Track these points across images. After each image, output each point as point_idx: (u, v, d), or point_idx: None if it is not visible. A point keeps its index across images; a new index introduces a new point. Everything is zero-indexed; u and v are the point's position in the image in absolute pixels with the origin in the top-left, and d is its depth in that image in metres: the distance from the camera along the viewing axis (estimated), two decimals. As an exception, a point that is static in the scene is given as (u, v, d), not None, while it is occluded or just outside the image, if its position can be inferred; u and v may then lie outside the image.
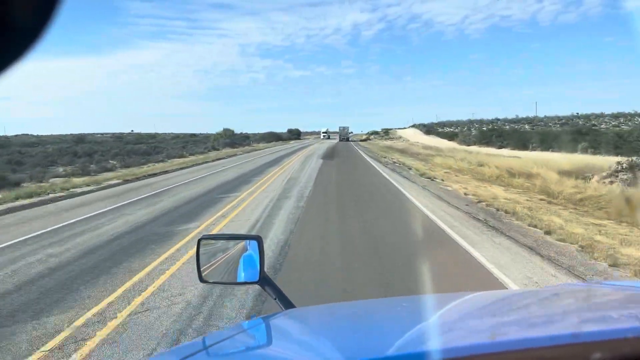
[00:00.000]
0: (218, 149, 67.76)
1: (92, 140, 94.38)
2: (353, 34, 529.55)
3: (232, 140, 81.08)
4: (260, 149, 57.45)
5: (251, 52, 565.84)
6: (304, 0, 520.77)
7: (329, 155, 38.77)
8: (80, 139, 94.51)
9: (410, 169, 24.55)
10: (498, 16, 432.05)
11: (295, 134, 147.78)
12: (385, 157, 35.96)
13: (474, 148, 54.32)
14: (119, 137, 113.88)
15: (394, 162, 29.88)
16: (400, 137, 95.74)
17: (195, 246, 1.76)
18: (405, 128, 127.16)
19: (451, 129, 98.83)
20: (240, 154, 43.83)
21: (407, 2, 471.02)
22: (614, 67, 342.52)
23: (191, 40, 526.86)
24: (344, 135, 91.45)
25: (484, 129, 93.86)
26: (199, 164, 30.53)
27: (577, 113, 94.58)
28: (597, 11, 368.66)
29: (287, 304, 1.68)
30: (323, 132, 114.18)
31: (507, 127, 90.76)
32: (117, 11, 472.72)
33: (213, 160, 34.69)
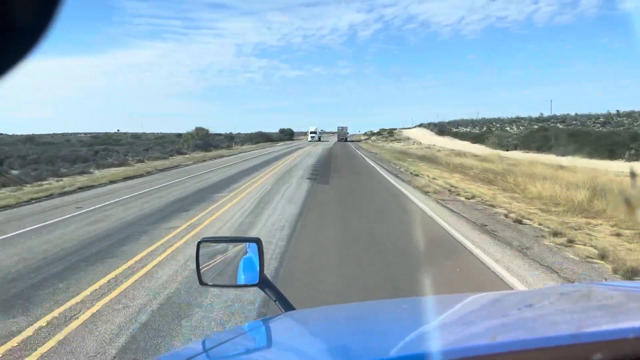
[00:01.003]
0: (185, 153, 53.28)
1: (47, 142, 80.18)
2: (349, 34, 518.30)
3: (205, 141, 66.45)
4: (230, 155, 42.76)
5: (248, 52, 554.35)
6: (300, 0, 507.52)
7: (322, 169, 24.24)
8: (29, 139, 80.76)
9: (544, 233, 9.87)
10: (494, 17, 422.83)
11: (287, 134, 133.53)
12: (418, 175, 21.17)
13: (518, 154, 39.96)
14: (95, 137, 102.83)
15: (451, 191, 14.94)
16: (409, 139, 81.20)
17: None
18: (410, 128, 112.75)
19: (466, 129, 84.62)
20: (190, 165, 29.26)
21: (403, 3, 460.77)
22: (611, 67, 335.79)
23: (187, 40, 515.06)
24: (343, 136, 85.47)
25: (507, 129, 79.71)
26: (72, 193, 15.76)
27: (618, 110, 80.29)
28: (593, 12, 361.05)
29: (287, 306, 1.67)
30: (311, 132, 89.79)
31: (536, 126, 76.59)
32: (113, 10, 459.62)
33: (113, 182, 19.90)
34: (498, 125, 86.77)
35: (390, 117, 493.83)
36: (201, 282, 1.76)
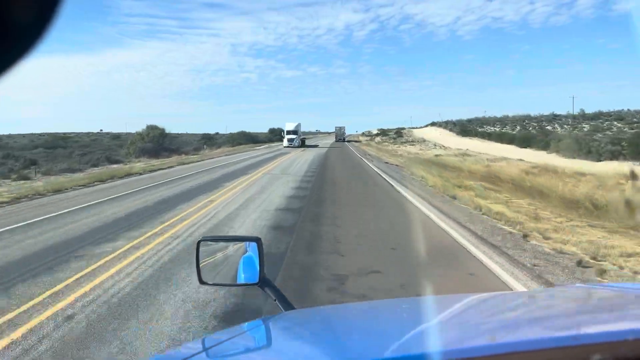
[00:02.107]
0: (121, 162, 36.77)
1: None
2: (346, 34, 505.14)
3: (159, 144, 49.87)
4: (161, 169, 25.90)
5: (243, 52, 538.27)
6: (297, 0, 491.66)
7: (295, 249, 7.49)
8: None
9: None
10: (490, 17, 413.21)
11: (278, 135, 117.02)
12: None
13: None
14: (64, 138, 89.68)
15: None
16: (425, 141, 64.68)
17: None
18: (421, 127, 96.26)
19: (494, 129, 68.44)
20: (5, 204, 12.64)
21: (399, 3, 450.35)
22: (609, 68, 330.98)
23: (183, 40, 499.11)
24: (340, 136, 77.73)
25: (547, 128, 63.48)
26: None
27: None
28: (589, 13, 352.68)
29: (287, 306, 1.66)
30: (288, 133, 57.26)
31: (587, 126, 60.43)
32: (108, 10, 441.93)
33: None
34: (534, 123, 70.39)
35: (388, 116, 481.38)
36: (201, 281, 1.72)
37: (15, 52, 0.47)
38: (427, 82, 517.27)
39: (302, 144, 58.84)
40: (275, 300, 1.66)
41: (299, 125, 59.01)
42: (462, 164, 30.51)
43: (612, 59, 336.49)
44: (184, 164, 29.09)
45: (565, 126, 63.05)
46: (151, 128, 50.84)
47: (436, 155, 37.82)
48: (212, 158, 38.81)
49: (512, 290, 5.12)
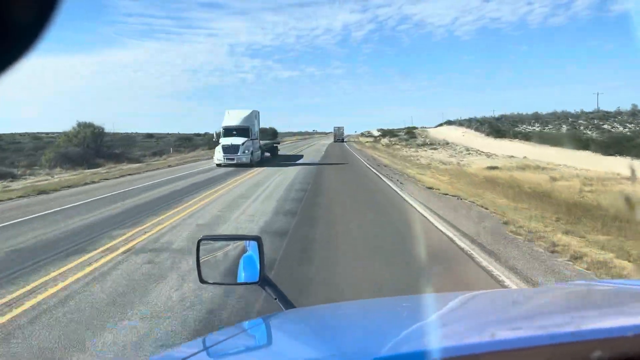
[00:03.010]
0: (10, 176, 23.18)
1: None
2: (343, 34, 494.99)
3: (94, 148, 36.20)
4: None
5: (240, 52, 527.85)
6: (294, 0, 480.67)
7: None
8: None
9: None
10: (488, 18, 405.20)
11: (269, 135, 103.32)
12: None
13: None
14: (36, 138, 77.68)
15: None
16: (448, 143, 51.12)
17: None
18: (435, 127, 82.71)
19: (533, 128, 55.13)
20: None
21: (397, 3, 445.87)
22: (606, 68, 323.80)
23: (180, 40, 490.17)
24: (339, 136, 76.53)
25: (604, 127, 49.97)
26: None
27: None
28: (585, 14, 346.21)
29: (287, 304, 1.65)
30: (227, 133, 25.48)
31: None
32: (106, 9, 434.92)
33: None
34: (583, 122, 56.88)
35: (387, 117, 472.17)
36: (201, 280, 1.71)
37: (15, 52, 0.46)
38: (425, 82, 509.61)
39: (272, 153, 32.49)
40: (275, 299, 1.65)
41: (252, 117, 27.43)
42: (556, 185, 17.00)
43: (611, 59, 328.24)
44: (25, 196, 15.27)
45: (628, 125, 49.90)
46: (83, 126, 37.04)
47: (490, 168, 24.20)
48: (148, 171, 25.37)
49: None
